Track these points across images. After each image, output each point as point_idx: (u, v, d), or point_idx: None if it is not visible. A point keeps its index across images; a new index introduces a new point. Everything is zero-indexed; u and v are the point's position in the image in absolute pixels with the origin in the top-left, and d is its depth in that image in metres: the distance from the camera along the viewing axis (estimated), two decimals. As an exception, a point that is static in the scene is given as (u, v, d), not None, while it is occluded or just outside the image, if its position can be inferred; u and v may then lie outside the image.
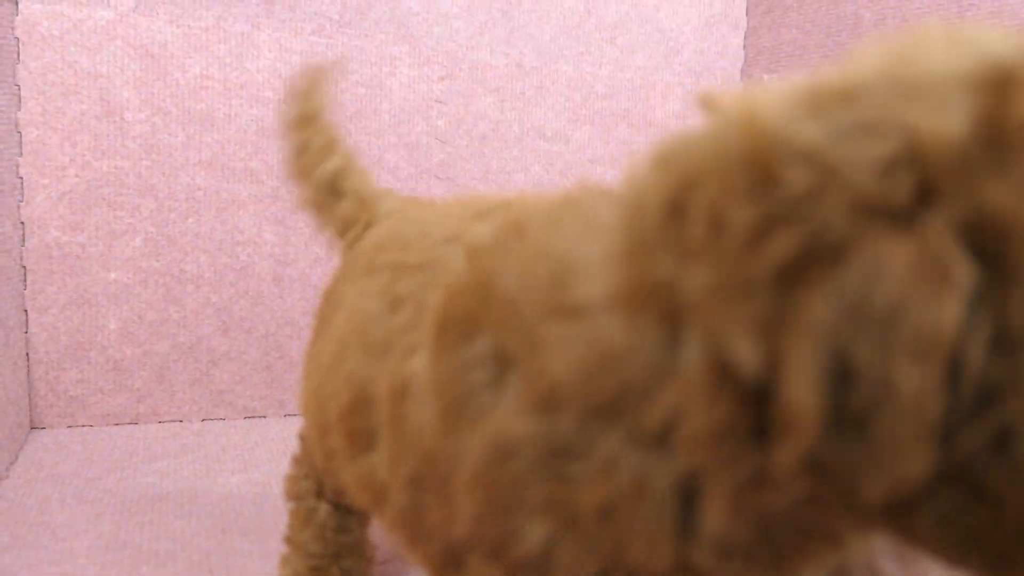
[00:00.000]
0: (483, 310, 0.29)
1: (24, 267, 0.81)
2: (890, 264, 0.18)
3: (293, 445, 0.83)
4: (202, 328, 0.88)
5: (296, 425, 0.90)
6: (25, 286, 0.82)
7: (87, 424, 0.86)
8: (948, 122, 0.18)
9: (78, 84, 0.81)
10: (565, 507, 0.26)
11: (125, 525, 0.62)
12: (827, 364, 0.18)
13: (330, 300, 0.48)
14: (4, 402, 0.77)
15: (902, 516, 0.20)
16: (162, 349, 0.87)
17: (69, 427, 0.85)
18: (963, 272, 0.17)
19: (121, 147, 0.83)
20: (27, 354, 0.83)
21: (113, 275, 0.85)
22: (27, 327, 0.83)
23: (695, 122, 0.23)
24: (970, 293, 0.18)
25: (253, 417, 0.92)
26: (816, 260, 0.19)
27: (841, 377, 0.18)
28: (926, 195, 0.18)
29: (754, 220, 0.20)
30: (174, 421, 0.89)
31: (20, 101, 0.79)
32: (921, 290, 0.17)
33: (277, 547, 0.59)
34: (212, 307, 0.88)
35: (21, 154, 0.80)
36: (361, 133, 0.92)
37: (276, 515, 0.64)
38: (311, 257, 0.91)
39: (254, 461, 0.77)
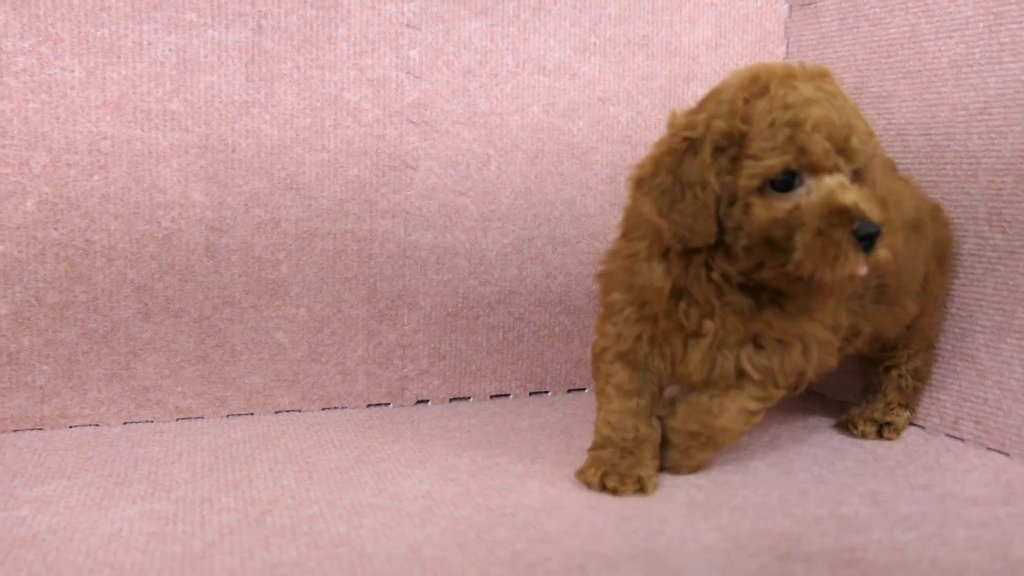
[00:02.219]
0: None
1: None
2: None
3: (234, 454, 0.67)
4: (118, 311, 0.72)
5: (241, 426, 0.73)
6: None
7: (-21, 430, 0.70)
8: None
9: (-63, 4, 0.64)
10: None
11: (-47, 589, 0.45)
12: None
13: None
14: None
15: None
16: (68, 338, 0.71)
17: (-44, 434, 0.70)
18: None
19: (0, 84, 0.66)
20: None
21: (0, 248, 0.68)
22: None
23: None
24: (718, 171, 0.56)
25: (187, 418, 0.75)
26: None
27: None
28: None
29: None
30: (89, 425, 0.73)
31: None
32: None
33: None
34: (130, 285, 0.72)
35: None
36: (312, 66, 0.74)
37: (167, 571, 0.48)
38: (253, 222, 0.74)
39: (165, 483, 0.61)
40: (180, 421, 0.75)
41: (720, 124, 0.56)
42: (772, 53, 0.90)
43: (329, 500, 0.58)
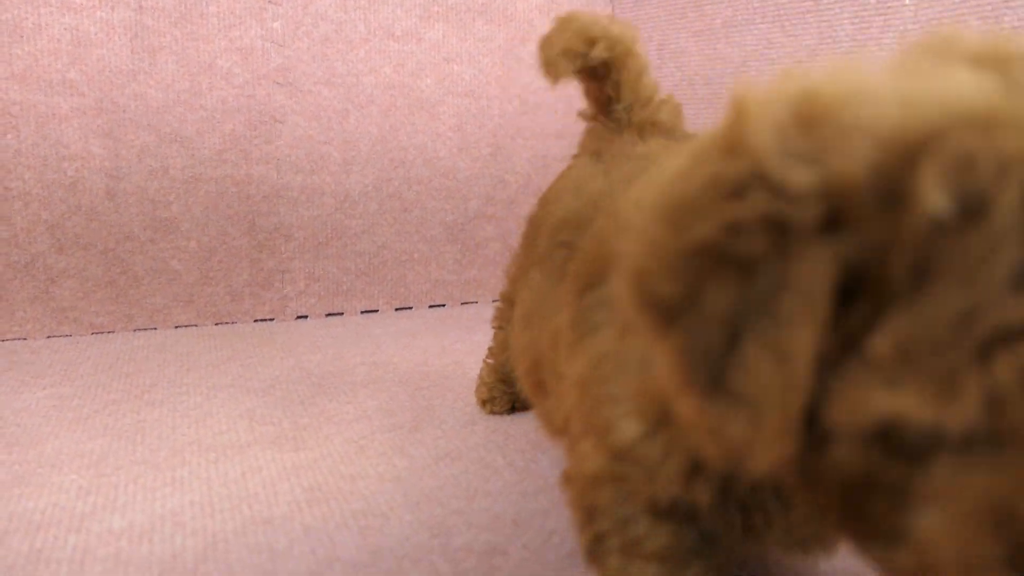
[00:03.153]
0: (603, 267, 0.37)
1: None
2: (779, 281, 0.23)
3: (133, 356, 0.83)
4: (35, 245, 0.88)
5: (144, 338, 0.90)
6: None
7: (-74, 345, 0.86)
8: (855, 169, 0.22)
9: None
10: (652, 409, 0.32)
11: (-102, 440, 0.62)
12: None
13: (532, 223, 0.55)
14: None
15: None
16: (-4, 268, 0.87)
17: (-92, 349, 0.86)
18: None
19: (-76, 62, 0.81)
20: None
21: (-66, 195, 0.83)
22: None
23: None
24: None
25: (100, 332, 0.92)
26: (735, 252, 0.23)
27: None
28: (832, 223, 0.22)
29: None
30: (17, 339, 0.89)
31: None
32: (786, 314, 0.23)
33: (35, 458, 0.59)
34: (44, 224, 0.87)
35: None
36: (188, 39, 0.89)
37: (58, 426, 0.65)
38: (145, 170, 0.89)
39: (74, 375, 0.77)
40: (94, 335, 0.91)
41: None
42: (600, 13, 1.05)
43: (196, 383, 0.75)
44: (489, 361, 0.66)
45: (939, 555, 0.23)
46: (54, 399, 0.71)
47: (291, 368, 0.79)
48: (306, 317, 0.99)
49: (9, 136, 0.84)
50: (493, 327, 0.66)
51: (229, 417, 0.66)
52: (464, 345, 0.87)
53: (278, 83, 0.93)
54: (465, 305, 1.05)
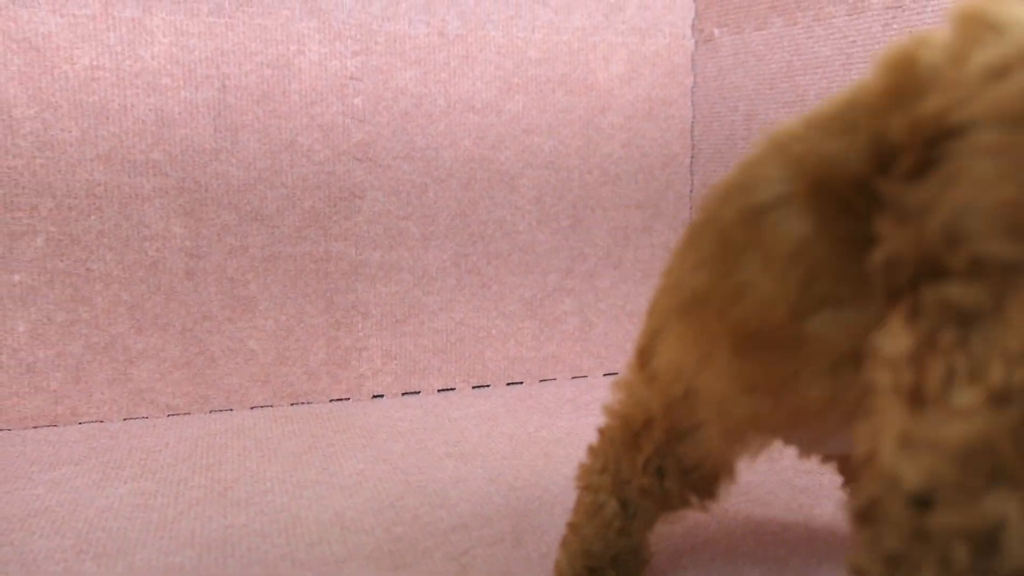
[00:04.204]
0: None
1: (-77, 273, 0.80)
2: None
3: (211, 443, 0.81)
4: (115, 327, 0.86)
5: (221, 420, 0.88)
6: (-73, 293, 0.81)
7: (4, 428, 0.85)
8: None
9: (-41, 83, 0.78)
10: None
11: (-17, 547, 0.60)
12: None
13: None
14: (-93, 412, 0.76)
15: None
16: (75, 350, 0.85)
17: (-14, 431, 0.85)
18: None
19: (12, 146, 0.80)
20: (-64, 361, 0.82)
21: (17, 277, 0.83)
22: (-67, 334, 0.81)
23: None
24: None
25: (176, 414, 0.90)
26: None
27: None
28: None
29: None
30: (94, 422, 0.88)
31: (-100, 105, 0.77)
32: None
33: (124, 571, 0.56)
34: (124, 305, 0.86)
35: (-93, 159, 0.78)
36: (270, 116, 0.88)
37: (144, 532, 0.62)
38: (225, 249, 0.88)
39: (152, 467, 0.75)
40: (170, 417, 0.90)
41: None
42: (681, 83, 1.03)
43: (281, 478, 0.72)
44: (572, 541, 0.50)
45: None
46: (136, 496, 0.69)
47: (375, 460, 0.76)
48: (382, 396, 0.96)
49: (93, 217, 0.84)
50: (578, 487, 0.52)
51: (319, 523, 0.63)
52: (550, 433, 0.83)
53: (358, 159, 0.91)
54: (544, 383, 1.02)
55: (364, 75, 0.90)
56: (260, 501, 0.67)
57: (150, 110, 0.84)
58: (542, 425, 0.86)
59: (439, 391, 0.98)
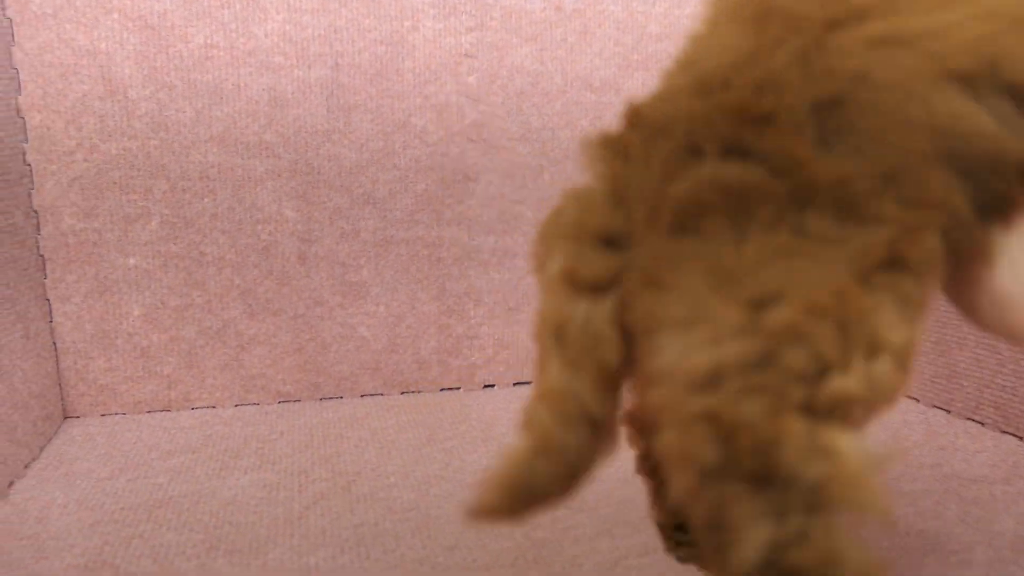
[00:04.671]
0: None
1: (42, 256, 0.79)
2: None
3: (326, 433, 0.79)
4: (228, 312, 0.84)
5: (332, 409, 0.86)
6: (45, 275, 0.80)
7: (119, 412, 0.84)
8: None
9: (77, 63, 0.77)
10: None
11: (113, 540, 0.58)
12: None
13: None
14: (27, 395, 0.75)
15: None
16: (188, 334, 0.84)
17: (102, 415, 0.84)
18: None
19: (127, 127, 0.79)
20: (54, 344, 0.81)
21: (132, 261, 0.81)
22: (51, 317, 0.81)
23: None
24: None
25: (287, 401, 0.88)
26: None
27: None
28: None
29: None
30: (207, 407, 0.86)
31: (19, 85, 0.76)
32: None
33: (258, 571, 0.54)
34: (236, 289, 0.84)
35: (26, 140, 0.77)
36: (383, 96, 0.84)
37: (273, 528, 0.60)
38: (337, 233, 0.85)
39: (271, 457, 0.73)
40: (281, 404, 0.88)
41: None
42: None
43: (403, 472, 0.70)
44: None
45: None
46: (259, 488, 0.67)
47: (497, 455, 0.73)
48: (493, 386, 0.93)
49: (206, 200, 0.82)
50: None
51: (452, 524, 0.60)
52: (677, 428, 0.79)
53: (472, 140, 0.87)
54: (658, 373, 0.97)
55: (479, 52, 0.86)
56: (386, 497, 0.65)
57: (263, 90, 0.81)
58: (667, 420, 0.81)
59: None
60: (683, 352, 0.30)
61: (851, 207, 0.29)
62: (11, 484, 0.68)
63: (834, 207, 0.29)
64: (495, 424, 0.81)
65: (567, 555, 0.55)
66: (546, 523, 0.60)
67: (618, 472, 0.68)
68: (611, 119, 0.90)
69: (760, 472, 0.28)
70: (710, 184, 0.30)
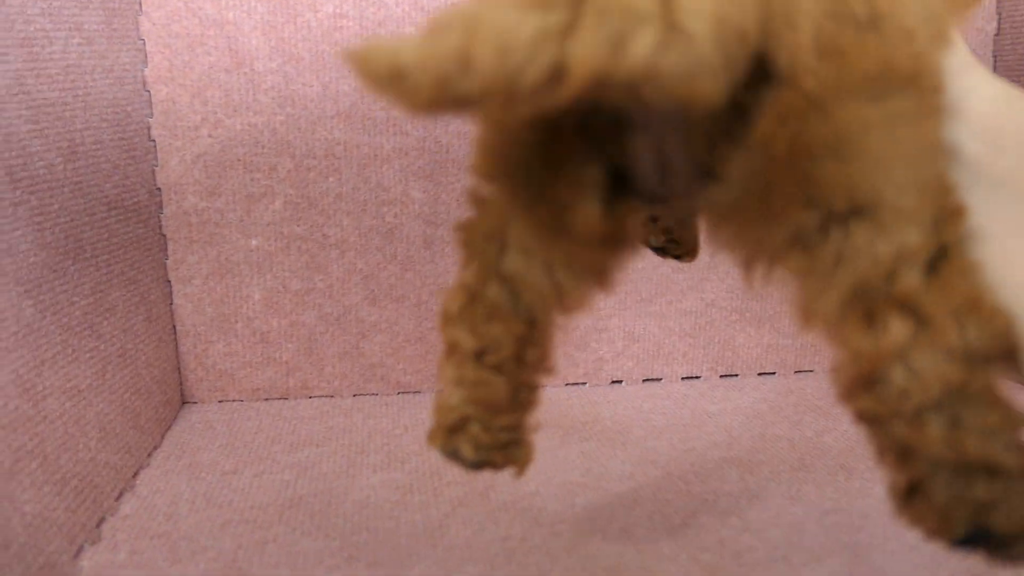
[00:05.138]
0: None
1: (164, 236, 0.76)
2: None
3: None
4: (349, 297, 0.80)
5: (452, 403, 0.81)
6: (167, 256, 0.77)
7: (237, 399, 0.81)
8: None
9: (204, 34, 0.73)
10: None
11: (247, 543, 0.55)
12: None
13: None
14: (150, 380, 0.73)
15: None
16: (309, 320, 0.80)
17: (220, 402, 0.81)
18: None
19: (253, 101, 0.75)
20: (174, 327, 0.79)
21: (254, 242, 0.78)
22: (172, 299, 0.78)
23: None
24: None
25: (406, 392, 0.84)
26: None
27: None
28: None
29: None
30: (325, 396, 0.83)
31: (146, 57, 0.73)
32: None
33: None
34: (359, 274, 0.80)
35: (152, 115, 0.74)
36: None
37: (413, 538, 0.55)
38: (465, 216, 0.80)
39: (399, 454, 0.69)
40: (400, 395, 0.84)
41: None
42: (982, 30, 0.87)
43: (543, 479, 0.64)
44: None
45: None
46: (391, 490, 0.62)
47: (640, 462, 0.67)
48: (621, 382, 0.87)
49: (331, 179, 0.77)
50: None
51: (607, 541, 0.54)
52: (835, 440, 0.72)
53: (609, 118, 0.81)
54: (799, 374, 0.90)
55: None
56: (529, 507, 0.60)
57: (393, 62, 0.76)
58: (822, 429, 0.74)
59: (683, 379, 0.88)
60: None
61: None
62: (136, 474, 0.65)
63: None
64: (630, 427, 0.75)
65: (748, 588, 0.49)
66: (711, 544, 0.54)
67: (778, 488, 0.62)
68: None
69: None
70: None
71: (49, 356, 0.58)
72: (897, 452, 0.30)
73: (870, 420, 0.30)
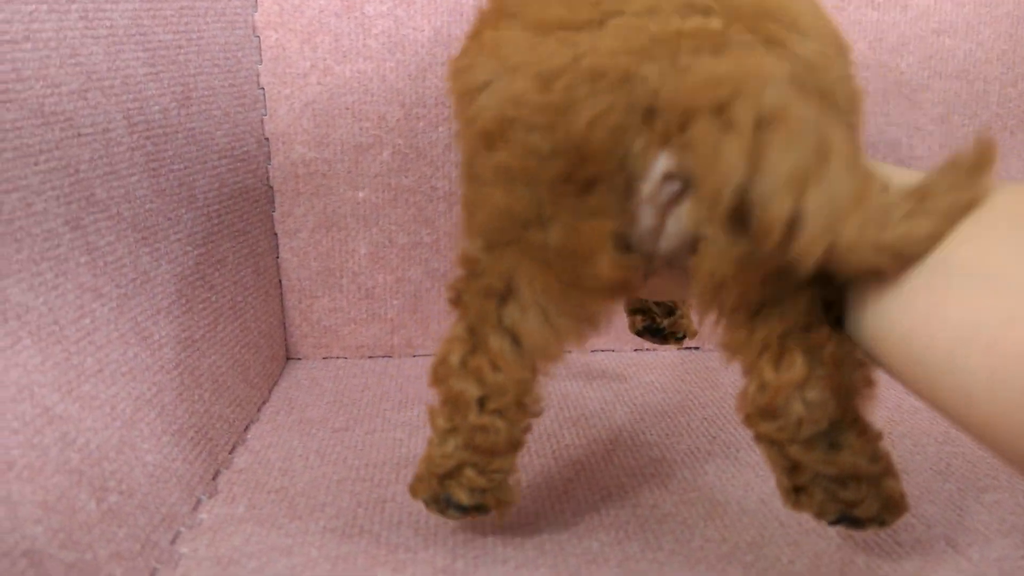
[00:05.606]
0: None
1: (271, 187, 0.75)
2: None
3: (563, 391, 0.71)
4: (454, 252, 0.78)
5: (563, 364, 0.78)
6: (274, 208, 0.75)
7: (341, 356, 0.80)
8: None
9: (314, -24, 0.70)
10: None
11: (366, 501, 0.53)
12: None
13: None
14: (257, 334, 0.72)
15: None
16: (414, 276, 0.78)
17: (324, 358, 0.80)
18: None
19: (363, 47, 0.72)
20: (280, 281, 0.77)
21: (361, 194, 0.76)
22: (278, 252, 0.77)
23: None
24: None
25: (513, 353, 0.81)
26: None
27: None
28: None
29: None
30: (428, 355, 0.80)
31: (256, 2, 0.71)
32: None
33: (535, 552, 0.47)
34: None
35: (261, 61, 0.72)
36: (637, 13, 0.74)
37: (538, 501, 0.53)
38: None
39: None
40: (507, 355, 0.81)
41: None
42: None
43: (666, 443, 0.61)
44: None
45: None
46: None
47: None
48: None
49: (441, 129, 0.75)
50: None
51: (746, 513, 0.51)
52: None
53: (733, 65, 0.76)
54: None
55: None
56: (657, 473, 0.56)
57: (507, 6, 0.73)
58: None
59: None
60: None
61: None
62: (247, 428, 0.64)
63: None
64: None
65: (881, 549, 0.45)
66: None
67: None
68: (894, 42, 0.76)
69: None
70: None
71: (165, 305, 0.57)
72: (787, 466, 0.38)
73: (769, 442, 0.38)
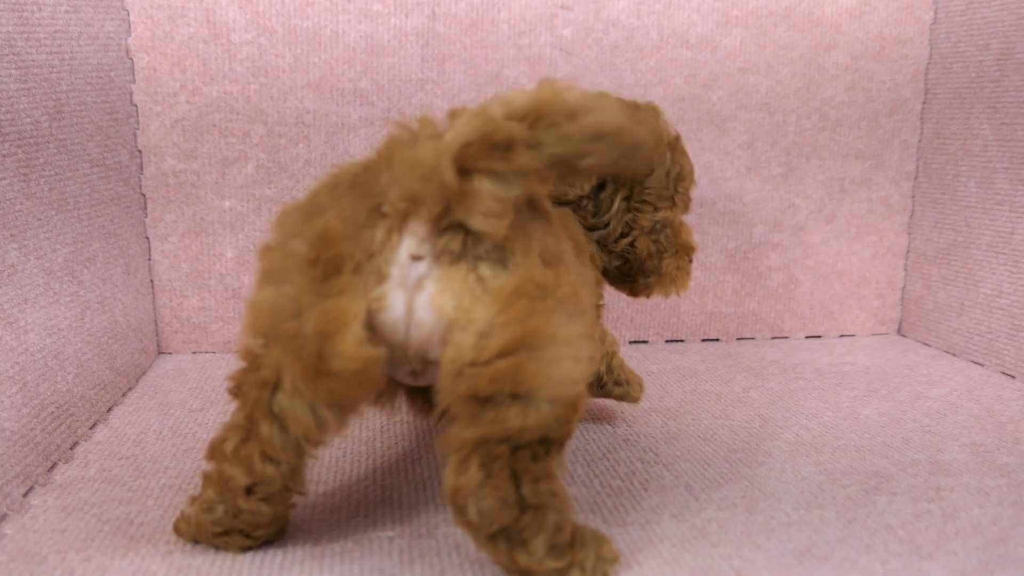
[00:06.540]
0: None
1: (143, 195, 0.82)
2: None
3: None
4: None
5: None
6: (146, 214, 0.83)
7: (209, 351, 0.87)
8: None
9: (184, 6, 0.79)
10: None
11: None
12: None
13: None
14: (127, 327, 0.78)
15: None
16: (278, 278, 0.86)
17: (193, 353, 0.87)
18: None
19: (229, 71, 0.81)
20: (151, 281, 0.84)
21: (227, 203, 0.84)
22: (150, 255, 0.84)
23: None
24: None
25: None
26: None
27: None
28: None
29: None
30: (293, 350, 0.88)
31: (130, 26, 0.78)
32: None
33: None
34: (326, 236, 0.86)
35: (134, 81, 0.79)
36: (477, 47, 0.84)
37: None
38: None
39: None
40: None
41: None
42: (919, 19, 0.92)
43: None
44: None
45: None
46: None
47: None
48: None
49: (300, 146, 0.83)
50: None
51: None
52: (759, 394, 0.77)
53: (564, 94, 0.86)
54: (741, 341, 0.95)
55: (575, 4, 0.85)
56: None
57: (360, 37, 0.82)
58: (750, 386, 0.80)
59: (631, 343, 0.94)
60: None
61: None
62: (110, 409, 0.71)
63: None
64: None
65: (644, 504, 0.55)
66: (622, 473, 0.59)
67: (695, 430, 0.67)
68: (705, 78, 0.88)
69: None
70: None
71: (32, 296, 0.64)
72: (481, 546, 0.43)
73: (466, 529, 0.43)
